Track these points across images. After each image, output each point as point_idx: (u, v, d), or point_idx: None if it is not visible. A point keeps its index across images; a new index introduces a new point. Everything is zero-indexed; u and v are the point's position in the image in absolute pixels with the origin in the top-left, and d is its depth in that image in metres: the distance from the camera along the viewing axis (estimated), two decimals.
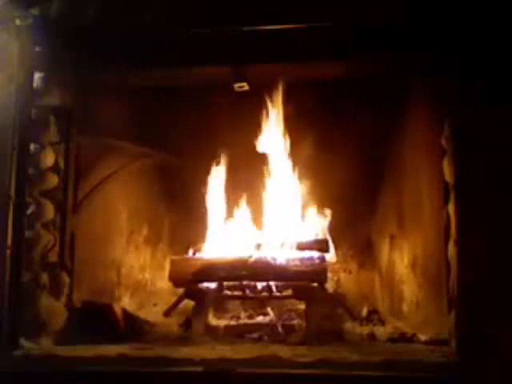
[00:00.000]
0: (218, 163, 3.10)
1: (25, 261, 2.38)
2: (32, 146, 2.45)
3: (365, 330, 2.62)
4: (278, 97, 2.96)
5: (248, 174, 3.07)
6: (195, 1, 2.39)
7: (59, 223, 2.55)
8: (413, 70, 2.39)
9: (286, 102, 2.97)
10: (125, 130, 3.00)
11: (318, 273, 2.69)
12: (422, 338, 2.37)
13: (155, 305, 3.11)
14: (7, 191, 2.33)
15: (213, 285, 2.75)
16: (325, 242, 2.85)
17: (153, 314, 2.90)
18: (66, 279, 2.55)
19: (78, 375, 2.08)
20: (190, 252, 2.93)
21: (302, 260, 2.69)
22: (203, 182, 3.10)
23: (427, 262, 2.57)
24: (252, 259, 2.68)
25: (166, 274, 2.84)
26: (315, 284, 2.71)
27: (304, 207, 3.03)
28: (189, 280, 2.71)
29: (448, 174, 2.22)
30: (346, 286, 3.19)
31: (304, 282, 2.70)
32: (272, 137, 3.04)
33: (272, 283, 2.73)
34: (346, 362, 2.08)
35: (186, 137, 3.23)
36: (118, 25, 2.38)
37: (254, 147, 3.03)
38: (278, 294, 2.74)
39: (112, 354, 2.20)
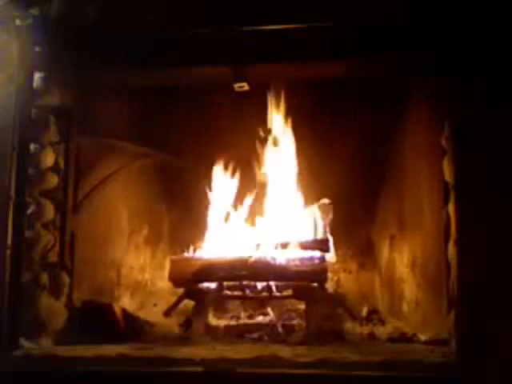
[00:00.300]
0: (217, 163, 3.10)
1: (25, 261, 2.38)
2: (32, 146, 2.45)
3: (365, 329, 2.62)
4: (278, 97, 2.96)
5: (248, 174, 3.07)
6: (195, 1, 2.39)
7: (59, 223, 2.54)
8: (413, 70, 2.39)
9: (285, 102, 2.97)
10: (125, 130, 3.00)
11: (318, 273, 2.69)
12: (422, 338, 2.37)
13: (155, 305, 3.11)
14: (7, 191, 2.33)
15: (213, 285, 2.75)
16: (325, 241, 2.85)
17: (153, 314, 2.90)
18: (66, 279, 2.55)
19: (78, 375, 2.08)
20: (190, 252, 2.93)
21: (302, 260, 2.69)
22: (203, 182, 3.10)
23: (427, 261, 2.57)
24: (252, 259, 2.68)
25: (166, 274, 2.84)
26: (315, 284, 2.71)
27: (304, 207, 3.03)
28: (189, 280, 2.71)
29: (448, 174, 2.22)
30: (346, 285, 3.19)
31: (304, 282, 2.70)
32: (272, 137, 3.04)
33: (272, 283, 2.73)
34: (346, 362, 2.08)
35: (185, 137, 3.23)
36: (118, 25, 2.38)
37: (253, 147, 3.04)
38: (278, 294, 2.74)
39: (112, 354, 2.20)
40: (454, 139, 2.17)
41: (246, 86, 2.59)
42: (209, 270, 2.69)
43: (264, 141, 3.04)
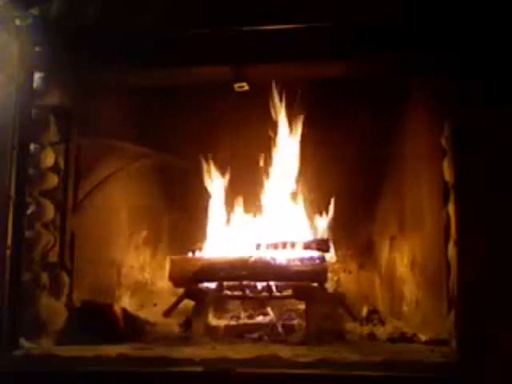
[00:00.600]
0: (217, 163, 3.10)
1: (25, 261, 2.38)
2: (32, 146, 2.45)
3: (365, 329, 2.62)
4: (278, 97, 2.96)
5: (248, 173, 3.07)
6: (195, 1, 2.39)
7: (59, 223, 2.54)
8: (413, 70, 2.39)
9: (285, 102, 2.97)
10: (125, 130, 3.00)
11: (318, 273, 2.69)
12: (422, 337, 2.37)
13: (155, 305, 3.11)
14: (7, 191, 2.33)
15: (213, 285, 2.75)
16: (325, 241, 2.85)
17: (153, 314, 2.90)
18: (66, 279, 2.55)
19: (78, 375, 2.08)
20: (190, 252, 2.93)
21: (302, 260, 2.69)
22: (203, 183, 3.10)
23: (427, 261, 2.57)
24: (252, 259, 2.68)
25: (166, 274, 2.84)
26: (315, 284, 2.71)
27: (304, 207, 3.03)
28: (189, 280, 2.71)
29: (448, 174, 2.22)
30: (346, 285, 3.19)
31: (304, 282, 2.70)
32: (272, 137, 3.04)
33: (272, 283, 2.73)
34: (346, 362, 2.08)
35: (186, 137, 3.22)
36: (118, 25, 2.38)
37: (253, 147, 3.04)
38: (278, 294, 2.74)
39: (112, 353, 2.20)
40: (454, 139, 2.17)
41: (245, 86, 2.59)
42: (209, 270, 2.69)
43: (264, 140, 3.05)
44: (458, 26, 2.16)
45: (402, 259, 2.88)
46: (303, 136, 3.00)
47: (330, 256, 2.88)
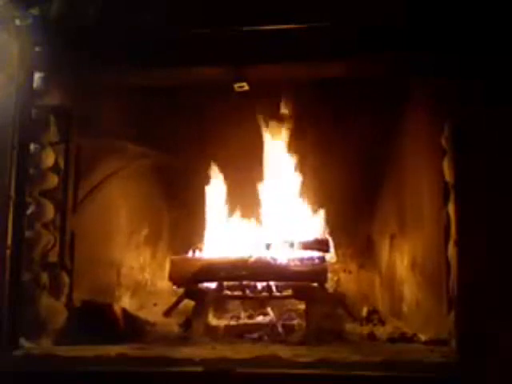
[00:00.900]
0: (217, 163, 3.10)
1: (25, 261, 2.38)
2: (32, 146, 2.45)
3: (365, 329, 2.62)
4: (278, 97, 2.96)
5: (248, 173, 3.07)
6: (195, 1, 2.39)
7: (59, 223, 2.55)
8: (413, 70, 2.39)
9: (285, 102, 2.97)
10: (125, 130, 3.00)
11: (318, 273, 2.69)
12: (422, 337, 2.37)
13: (155, 305, 3.11)
14: (7, 191, 2.33)
15: (213, 285, 2.75)
16: (325, 242, 2.85)
17: (153, 314, 2.90)
18: (66, 279, 2.55)
19: (78, 375, 2.08)
20: (190, 252, 2.93)
21: (302, 260, 2.69)
22: (203, 183, 3.10)
23: (427, 261, 2.57)
24: (252, 259, 2.68)
25: (166, 274, 2.84)
26: (315, 284, 2.71)
27: (304, 207, 3.03)
28: (189, 280, 2.71)
29: (448, 174, 2.22)
30: (346, 285, 3.19)
31: (304, 282, 2.70)
32: (272, 137, 3.04)
33: (272, 283, 2.73)
34: (346, 362, 2.08)
35: (185, 137, 3.22)
36: (118, 25, 2.37)
37: (253, 147, 3.04)
38: (278, 294, 2.75)
39: (112, 353, 2.20)
40: (454, 139, 2.18)
41: (245, 86, 2.59)
42: (209, 270, 2.69)
43: (264, 140, 3.05)
44: (457, 26, 2.16)
45: (402, 259, 2.88)
46: (303, 136, 3.00)
47: (330, 256, 2.88)
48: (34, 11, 2.37)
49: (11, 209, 2.33)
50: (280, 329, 2.57)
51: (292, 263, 2.67)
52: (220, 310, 2.83)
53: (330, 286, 2.90)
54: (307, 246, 2.79)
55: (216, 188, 3.10)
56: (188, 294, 2.76)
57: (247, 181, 3.08)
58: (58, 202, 2.54)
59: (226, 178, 3.10)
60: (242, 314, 2.81)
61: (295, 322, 2.64)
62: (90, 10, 2.37)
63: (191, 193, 3.22)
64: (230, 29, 2.34)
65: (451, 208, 2.18)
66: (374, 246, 3.28)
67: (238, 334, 2.57)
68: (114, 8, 2.38)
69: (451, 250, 2.18)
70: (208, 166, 3.11)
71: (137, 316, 2.70)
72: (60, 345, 2.39)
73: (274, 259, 2.68)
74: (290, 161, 3.03)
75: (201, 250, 2.94)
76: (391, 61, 2.41)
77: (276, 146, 3.04)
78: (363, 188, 3.17)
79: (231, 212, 3.07)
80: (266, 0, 2.33)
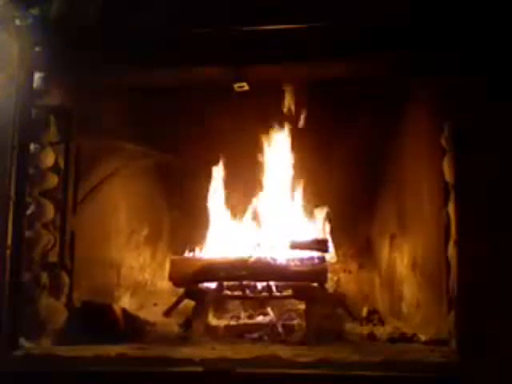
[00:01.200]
0: (217, 163, 3.10)
1: (25, 261, 2.38)
2: (32, 146, 2.45)
3: (365, 330, 2.62)
4: (278, 97, 2.95)
5: (248, 174, 3.07)
6: (195, 1, 2.39)
7: (59, 223, 2.55)
8: (414, 69, 2.39)
9: (286, 102, 2.96)
10: (125, 130, 3.00)
11: (318, 273, 2.69)
12: (422, 337, 2.37)
13: (155, 305, 3.11)
14: (7, 191, 2.33)
15: (213, 285, 2.75)
16: (325, 242, 2.85)
17: (153, 313, 2.90)
18: (66, 279, 2.55)
19: (77, 375, 2.08)
20: (190, 252, 2.93)
21: (302, 260, 2.69)
22: (203, 182, 3.10)
23: (427, 261, 2.57)
24: (252, 259, 2.68)
25: (166, 274, 2.84)
26: (315, 284, 2.71)
27: (304, 207, 3.03)
28: (189, 280, 2.71)
29: (448, 174, 2.22)
30: (346, 286, 3.19)
31: (304, 282, 2.70)
32: (272, 137, 3.04)
33: (272, 283, 2.73)
34: (346, 362, 2.08)
35: (185, 137, 3.22)
36: (119, 24, 2.38)
37: (253, 147, 3.04)
38: (278, 294, 2.74)
39: (112, 353, 2.20)
40: (454, 139, 2.18)
41: (245, 86, 2.59)
42: (209, 270, 2.69)
43: (264, 140, 3.05)
44: (458, 26, 2.16)
45: (402, 259, 2.88)
46: (303, 136, 3.00)
47: (330, 256, 2.88)
48: (34, 11, 2.37)
49: (11, 209, 2.33)
50: (280, 329, 2.57)
51: (292, 263, 2.67)
52: (220, 310, 2.83)
53: (330, 286, 2.90)
54: (307, 246, 2.79)
55: (216, 188, 3.10)
56: (188, 294, 2.76)
57: (247, 181, 3.08)
58: (58, 202, 2.54)
59: (226, 178, 3.10)
60: (242, 314, 2.81)
61: (295, 321, 2.64)
62: (90, 9, 2.37)
63: (191, 193, 3.22)
64: (230, 29, 2.34)
65: (451, 208, 2.18)
66: (373, 246, 3.28)
67: (238, 334, 2.57)
68: (114, 8, 2.39)
69: (451, 249, 2.18)
70: (208, 166, 3.10)
71: (137, 316, 2.70)
72: (60, 345, 2.39)
73: (274, 259, 2.67)
74: (290, 161, 3.03)
75: (201, 249, 2.94)
76: (392, 61, 2.41)
77: (276, 146, 3.03)
78: (363, 188, 3.17)
79: (231, 212, 3.07)
80: (265, 0, 2.33)
